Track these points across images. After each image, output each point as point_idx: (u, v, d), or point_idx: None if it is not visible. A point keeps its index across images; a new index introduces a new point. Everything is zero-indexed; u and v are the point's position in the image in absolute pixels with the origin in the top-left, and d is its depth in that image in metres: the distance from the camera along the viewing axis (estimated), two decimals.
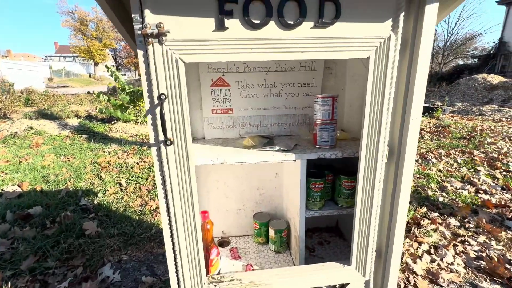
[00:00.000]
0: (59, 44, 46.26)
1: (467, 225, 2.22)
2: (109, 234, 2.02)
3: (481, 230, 2.15)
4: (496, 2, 15.88)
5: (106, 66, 5.58)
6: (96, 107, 5.62)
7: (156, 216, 2.29)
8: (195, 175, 0.78)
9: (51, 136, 4.81)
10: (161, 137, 0.72)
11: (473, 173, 3.28)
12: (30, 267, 1.65)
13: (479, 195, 2.73)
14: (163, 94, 0.68)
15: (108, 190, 2.70)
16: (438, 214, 2.40)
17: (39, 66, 22.66)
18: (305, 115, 1.21)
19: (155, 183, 2.92)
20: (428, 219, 2.30)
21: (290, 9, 0.69)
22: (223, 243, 1.30)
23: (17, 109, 7.22)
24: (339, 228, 1.42)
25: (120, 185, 2.85)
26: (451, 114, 7.82)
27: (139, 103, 5.62)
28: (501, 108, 7.84)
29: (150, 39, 0.65)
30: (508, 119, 6.76)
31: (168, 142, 0.72)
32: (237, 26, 0.68)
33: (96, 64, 31.72)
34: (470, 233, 2.11)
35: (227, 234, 1.37)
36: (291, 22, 0.69)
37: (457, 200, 2.64)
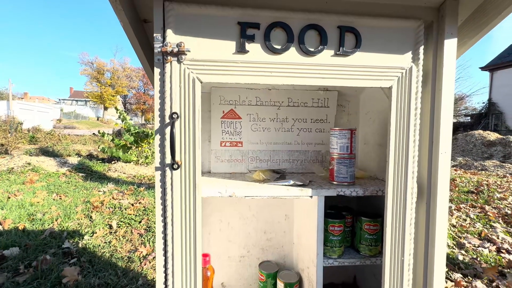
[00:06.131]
0: (74, 89, 49.35)
1: None
2: (89, 284, 1.75)
3: None
4: (480, 68, 17.37)
5: (116, 108, 5.78)
6: (99, 146, 5.63)
7: (145, 264, 2.04)
8: (201, 207, 0.68)
9: (47, 173, 4.69)
10: (168, 160, 0.65)
11: (490, 229, 3.07)
12: None
13: (502, 254, 2.48)
14: (175, 113, 0.64)
15: (96, 232, 2.47)
16: (461, 275, 2.14)
17: (51, 108, 23.68)
18: (318, 151, 1.15)
19: (149, 227, 2.70)
20: (451, 281, 2.04)
21: (310, 37, 0.69)
22: None
23: (20, 146, 7.24)
24: (357, 284, 1.22)
25: (110, 227, 2.63)
26: (454, 168, 7.78)
27: (142, 144, 5.65)
28: (503, 164, 7.82)
29: (169, 57, 0.63)
30: None
31: (175, 166, 0.64)
32: (258, 50, 0.67)
33: (105, 108, 33.26)
34: None
35: (228, 287, 1.16)
36: (312, 49, 0.69)
37: (478, 259, 2.39)
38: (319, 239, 0.84)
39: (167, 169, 0.65)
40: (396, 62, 0.71)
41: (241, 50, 0.66)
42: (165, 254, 0.67)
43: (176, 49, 0.62)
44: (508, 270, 2.20)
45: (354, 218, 0.97)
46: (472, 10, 0.74)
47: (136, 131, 5.49)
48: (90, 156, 6.57)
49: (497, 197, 4.39)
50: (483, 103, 17.51)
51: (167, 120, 0.64)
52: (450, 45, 0.71)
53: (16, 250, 2.05)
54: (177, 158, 0.65)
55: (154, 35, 0.64)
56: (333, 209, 1.00)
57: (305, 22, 0.68)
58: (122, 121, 5.51)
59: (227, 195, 0.79)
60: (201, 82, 0.66)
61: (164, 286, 0.67)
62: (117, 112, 5.64)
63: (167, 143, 0.64)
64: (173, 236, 0.67)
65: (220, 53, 0.66)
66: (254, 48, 0.67)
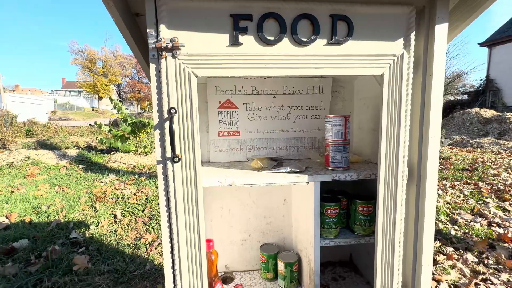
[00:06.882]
0: (66, 79, 48.29)
1: (486, 261, 2.06)
2: (99, 271, 1.84)
3: (502, 267, 1.99)
4: (479, 44, 17.10)
5: (110, 98, 5.72)
6: (97, 137, 5.62)
7: (151, 250, 2.12)
8: (202, 197, 0.72)
9: (47, 166, 4.71)
10: (169, 154, 0.68)
11: (482, 205, 3.17)
12: None
13: (493, 228, 2.59)
14: (173, 108, 0.66)
15: (101, 222, 2.54)
16: (453, 249, 2.25)
17: (44, 100, 23.21)
18: (314, 138, 1.17)
19: (152, 215, 2.77)
20: (444, 255, 2.15)
21: (303, 27, 0.69)
22: (226, 279, 1.17)
23: (17, 140, 7.21)
24: (353, 262, 1.29)
25: (115, 216, 2.70)
26: (450, 146, 7.88)
27: (140, 133, 5.64)
28: (498, 141, 7.92)
29: (163, 53, 0.64)
30: (507, 151, 6.79)
31: (176, 159, 0.67)
32: (251, 42, 0.68)
33: (100, 98, 32.74)
34: (491, 270, 1.94)
35: (231, 269, 1.23)
36: (305, 39, 0.69)
37: (470, 233, 2.50)
38: (316, 222, 0.89)
39: (168, 162, 0.68)
40: (387, 50, 0.72)
41: (234, 42, 0.67)
42: (171, 242, 0.71)
43: (170, 45, 0.63)
44: (498, 242, 2.31)
45: (349, 201, 1.02)
46: None
47: (133, 121, 5.47)
48: (89, 148, 6.58)
49: (490, 173, 4.49)
50: (481, 80, 17.41)
51: (166, 115, 0.66)
52: (441, 30, 0.72)
53: (25, 242, 2.12)
54: (177, 152, 0.68)
55: (148, 30, 0.64)
56: (329, 193, 1.05)
57: (297, 12, 0.69)
58: (118, 111, 5.47)
59: (227, 184, 0.83)
60: (197, 77, 0.67)
61: (172, 271, 0.72)
62: (112, 103, 5.58)
63: (167, 138, 0.67)
64: (178, 224, 0.71)
65: (214, 46, 0.66)
66: (248, 40, 0.68)
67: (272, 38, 0.68)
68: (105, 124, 5.77)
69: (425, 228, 0.78)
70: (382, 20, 0.72)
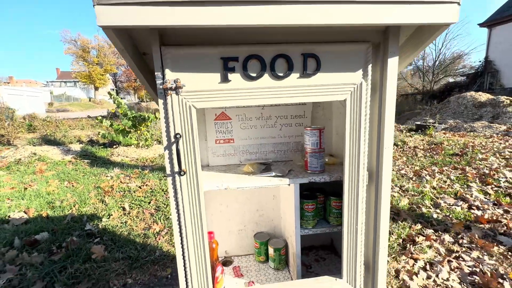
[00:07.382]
0: (60, 70, 47.58)
1: (460, 241, 2.29)
2: (114, 258, 2.08)
3: (474, 245, 2.22)
4: (478, 24, 16.87)
5: (109, 93, 5.82)
6: (99, 132, 5.79)
7: (159, 239, 2.36)
8: (204, 199, 0.91)
9: (54, 161, 4.92)
10: (176, 169, 0.86)
11: (466, 189, 3.37)
12: None
13: (472, 211, 2.81)
14: (178, 133, 0.84)
15: (112, 215, 2.77)
16: (433, 231, 2.48)
17: (40, 92, 23.08)
18: (298, 142, 1.36)
19: (158, 206, 3.01)
20: (423, 236, 2.38)
21: (280, 64, 0.86)
22: (226, 262, 1.39)
23: (20, 135, 7.37)
24: (333, 245, 1.52)
25: (124, 209, 2.93)
26: (443, 131, 8.05)
27: (141, 127, 5.81)
28: (491, 124, 8.11)
29: (169, 91, 0.81)
30: (499, 135, 6.98)
31: (182, 173, 0.86)
32: (238, 79, 0.85)
33: (96, 88, 32.47)
34: (463, 249, 2.18)
35: (230, 254, 1.46)
36: (281, 74, 0.86)
37: (450, 216, 2.73)
38: (297, 216, 1.09)
39: (176, 175, 0.87)
40: (349, 79, 0.89)
41: (224, 80, 0.84)
42: (180, 236, 0.92)
43: (174, 85, 0.80)
44: (475, 223, 2.55)
45: (325, 197, 1.22)
46: (411, 31, 0.90)
47: (133, 115, 5.61)
48: (91, 142, 6.76)
49: (479, 158, 4.68)
50: (479, 61, 17.32)
51: (172, 139, 0.84)
52: (393, 62, 0.88)
53: (45, 234, 2.36)
54: (183, 167, 0.87)
55: (156, 73, 0.81)
56: (309, 190, 1.25)
57: (275, 52, 0.85)
58: (118, 106, 5.60)
59: (223, 188, 1.02)
60: (196, 108, 0.84)
61: (182, 257, 0.93)
62: (111, 97, 5.70)
63: (174, 157, 0.85)
64: (186, 222, 0.91)
65: (209, 84, 0.83)
66: (235, 78, 0.84)
67: (254, 75, 0.85)
68: (105, 118, 5.92)
69: (382, 219, 0.98)
70: (345, 55, 0.88)
